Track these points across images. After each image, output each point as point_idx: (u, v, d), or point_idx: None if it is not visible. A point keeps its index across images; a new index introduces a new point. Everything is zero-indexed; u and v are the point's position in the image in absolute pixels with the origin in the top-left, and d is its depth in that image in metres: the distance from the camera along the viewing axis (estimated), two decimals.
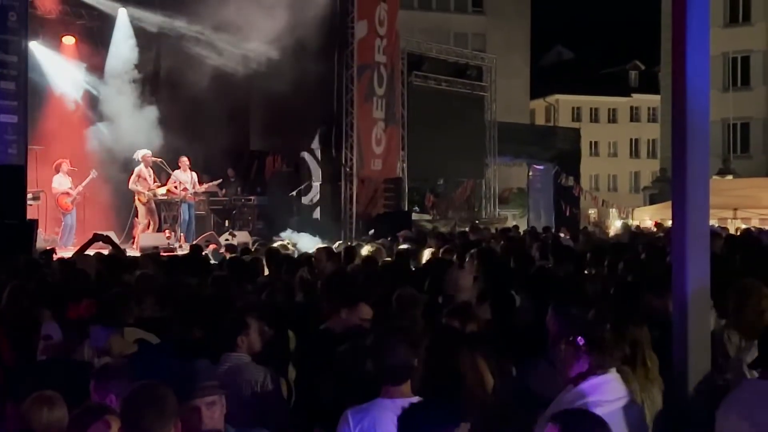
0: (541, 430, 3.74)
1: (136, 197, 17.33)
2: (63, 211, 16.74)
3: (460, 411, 3.18)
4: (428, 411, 3.22)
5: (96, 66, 18.91)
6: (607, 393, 3.86)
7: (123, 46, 19.13)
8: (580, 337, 4.09)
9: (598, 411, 3.68)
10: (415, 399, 3.86)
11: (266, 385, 4.93)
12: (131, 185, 17.23)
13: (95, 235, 12.11)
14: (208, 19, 18.22)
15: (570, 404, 3.88)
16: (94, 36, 19.11)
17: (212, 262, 11.04)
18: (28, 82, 15.34)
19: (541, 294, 6.65)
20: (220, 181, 18.99)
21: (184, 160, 17.95)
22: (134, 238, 17.19)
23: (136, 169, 17.26)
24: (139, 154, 17.36)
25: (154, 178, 17.51)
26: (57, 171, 16.82)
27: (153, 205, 17.50)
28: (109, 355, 5.35)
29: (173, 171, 17.74)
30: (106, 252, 11.00)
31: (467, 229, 20.68)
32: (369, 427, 3.90)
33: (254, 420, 4.78)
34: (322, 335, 5.83)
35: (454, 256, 10.45)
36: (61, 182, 16.79)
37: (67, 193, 16.73)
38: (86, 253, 10.75)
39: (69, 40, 18.62)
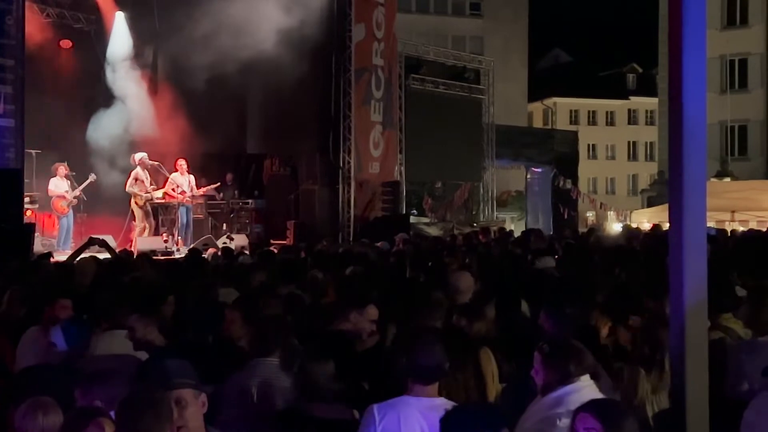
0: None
1: (132, 200, 17.33)
2: (58, 213, 16.75)
3: (501, 416, 3.17)
4: (470, 415, 3.20)
5: (93, 70, 18.89)
6: (573, 404, 3.74)
7: (120, 50, 19.13)
8: (546, 345, 4.04)
9: (562, 424, 3.64)
10: (441, 400, 3.86)
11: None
12: (128, 188, 17.22)
13: (91, 238, 12.11)
14: (205, 23, 18.21)
15: (538, 415, 3.85)
16: (91, 40, 19.09)
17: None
18: (25, 86, 15.32)
19: (539, 296, 6.66)
20: (217, 184, 19.00)
21: (182, 164, 17.95)
22: (131, 241, 17.19)
23: (133, 172, 17.25)
24: (136, 157, 17.37)
25: (150, 181, 17.51)
26: (54, 174, 16.83)
27: (149, 208, 17.48)
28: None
29: (171, 174, 17.74)
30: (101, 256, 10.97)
31: (469, 230, 20.68)
32: (394, 422, 3.86)
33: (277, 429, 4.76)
34: (337, 337, 5.77)
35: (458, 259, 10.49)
36: (58, 185, 16.80)
37: (63, 197, 16.73)
38: (85, 255, 10.72)
39: (66, 44, 18.60)
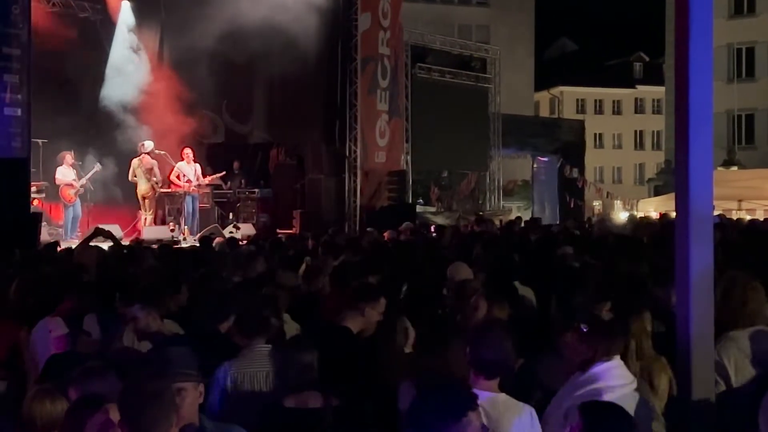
0: (558, 416, 3.77)
1: (140, 189, 17.35)
2: (66, 202, 16.80)
3: (469, 400, 3.16)
4: (437, 398, 3.19)
5: (99, 59, 18.89)
6: (615, 378, 3.95)
7: (126, 39, 19.13)
8: (584, 325, 4.15)
9: (609, 396, 3.78)
10: (502, 396, 3.87)
11: None
12: (140, 177, 17.27)
13: (97, 228, 12.11)
14: (210, 12, 18.19)
15: (579, 389, 3.92)
16: (97, 29, 19.08)
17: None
18: (31, 75, 15.33)
19: (546, 285, 6.66)
20: (223, 173, 19.01)
21: (188, 153, 17.98)
22: (138, 230, 17.22)
23: (145, 161, 17.29)
24: (146, 147, 17.40)
25: (154, 171, 17.55)
26: (61, 163, 16.89)
27: (155, 197, 17.54)
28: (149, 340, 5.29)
29: (177, 163, 17.76)
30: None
31: (473, 220, 20.66)
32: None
33: None
34: (344, 334, 5.60)
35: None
36: (65, 174, 16.85)
37: (71, 185, 16.79)
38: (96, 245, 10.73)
39: (72, 34, 18.58)
